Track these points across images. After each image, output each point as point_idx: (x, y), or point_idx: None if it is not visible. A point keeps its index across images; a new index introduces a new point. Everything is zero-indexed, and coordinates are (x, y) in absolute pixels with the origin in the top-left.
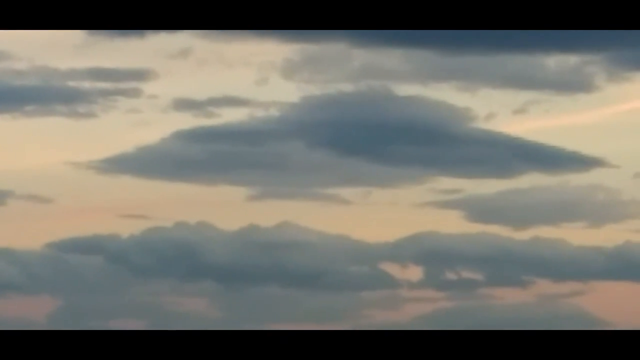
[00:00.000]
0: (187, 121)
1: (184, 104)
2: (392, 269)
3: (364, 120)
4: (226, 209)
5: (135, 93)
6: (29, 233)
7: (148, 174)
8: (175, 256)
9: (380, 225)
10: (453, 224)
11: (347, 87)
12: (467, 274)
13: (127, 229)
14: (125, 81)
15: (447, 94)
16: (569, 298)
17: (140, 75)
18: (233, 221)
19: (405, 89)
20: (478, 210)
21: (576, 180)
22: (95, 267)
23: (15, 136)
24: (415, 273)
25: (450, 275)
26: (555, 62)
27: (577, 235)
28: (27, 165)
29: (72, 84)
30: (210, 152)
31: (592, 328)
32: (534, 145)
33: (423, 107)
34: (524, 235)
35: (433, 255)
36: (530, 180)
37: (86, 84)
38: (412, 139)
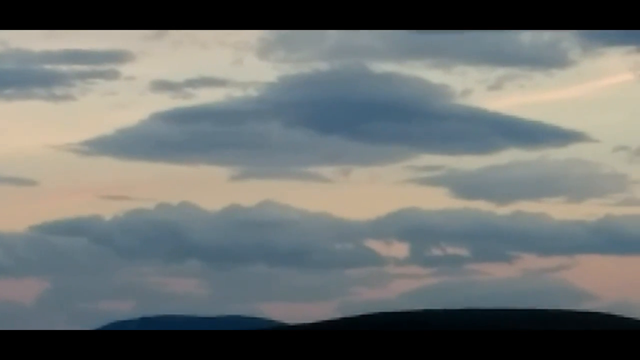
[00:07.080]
0: (165, 102)
1: (161, 86)
2: (377, 246)
3: (341, 98)
4: (208, 189)
5: (112, 75)
6: (13, 216)
7: (128, 156)
8: (160, 237)
9: (362, 202)
10: (435, 200)
11: (322, 66)
12: (452, 250)
13: (110, 210)
14: (102, 63)
15: (423, 71)
16: (555, 272)
17: (117, 57)
18: (215, 201)
19: (381, 66)
20: (460, 186)
21: (555, 154)
22: (80, 249)
23: None
24: (400, 250)
25: (436, 252)
26: (530, 37)
27: (558, 210)
28: (7, 149)
29: (48, 67)
30: (190, 133)
31: (578, 301)
32: (512, 121)
33: (399, 84)
34: (506, 210)
35: (417, 231)
36: (510, 156)
37: (63, 67)
38: (390, 116)
